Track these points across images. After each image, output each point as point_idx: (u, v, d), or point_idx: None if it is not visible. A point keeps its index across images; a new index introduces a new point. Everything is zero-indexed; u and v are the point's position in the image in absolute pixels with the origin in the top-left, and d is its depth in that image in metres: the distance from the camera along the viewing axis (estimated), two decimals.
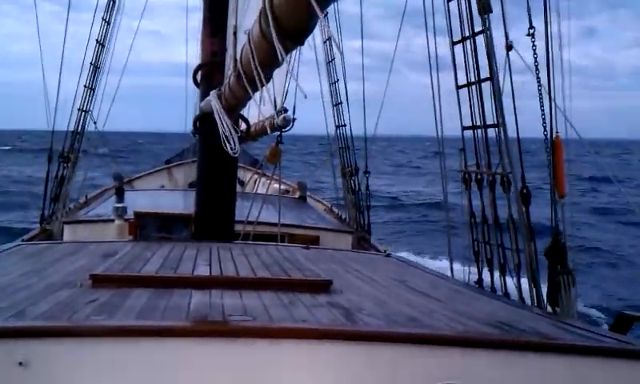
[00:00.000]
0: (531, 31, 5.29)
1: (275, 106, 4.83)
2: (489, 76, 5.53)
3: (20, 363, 2.52)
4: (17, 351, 2.54)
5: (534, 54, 5.25)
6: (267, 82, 3.85)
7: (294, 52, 3.58)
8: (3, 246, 5.68)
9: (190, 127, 7.93)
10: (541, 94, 5.26)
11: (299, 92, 3.88)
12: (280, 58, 3.33)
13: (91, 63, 10.53)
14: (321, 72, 11.16)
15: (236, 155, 4.84)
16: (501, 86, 5.50)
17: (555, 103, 5.26)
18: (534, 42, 5.28)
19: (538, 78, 5.27)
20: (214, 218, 6.86)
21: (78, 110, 10.42)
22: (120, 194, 7.48)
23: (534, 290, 5.21)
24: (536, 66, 5.27)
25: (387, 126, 10.29)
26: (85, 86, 10.46)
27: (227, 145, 4.66)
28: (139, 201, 8.54)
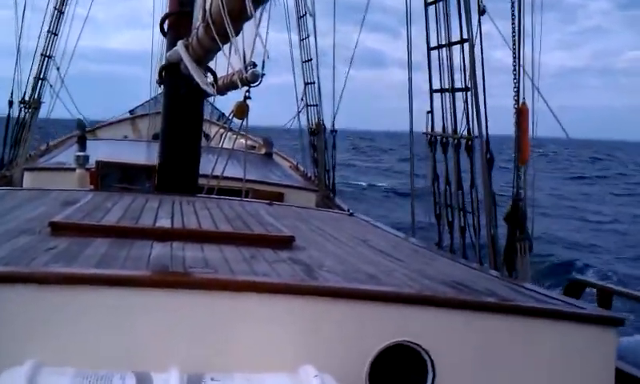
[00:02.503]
0: None
1: (244, 60, 4.77)
2: (462, 39, 5.54)
3: None
4: None
5: (512, 15, 5.22)
6: (237, 34, 3.79)
7: (264, 5, 3.53)
8: None
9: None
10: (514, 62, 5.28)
11: (268, 48, 3.85)
12: (249, 11, 3.28)
13: (55, 7, 10.25)
14: (291, 27, 11.06)
15: (214, 95, 4.76)
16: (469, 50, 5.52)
17: (524, 69, 5.30)
18: (513, 10, 5.27)
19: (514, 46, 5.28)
20: (177, 171, 6.79)
21: (41, 55, 10.18)
22: (82, 143, 7.36)
23: (493, 253, 5.32)
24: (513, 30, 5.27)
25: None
26: (48, 31, 10.20)
27: (205, 86, 4.53)
28: (102, 150, 8.40)
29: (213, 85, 4.65)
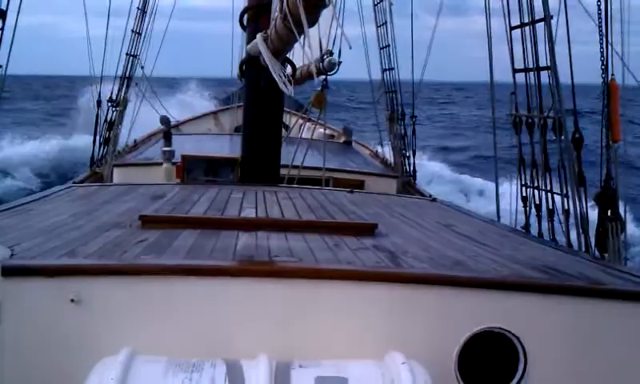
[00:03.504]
0: None
1: (321, 49, 4.78)
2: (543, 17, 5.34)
3: (72, 300, 2.61)
4: (69, 288, 2.62)
5: None
6: (313, 24, 3.80)
7: None
8: (55, 188, 5.82)
9: (236, 73, 7.93)
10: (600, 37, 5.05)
11: (345, 38, 3.84)
12: None
13: (138, 8, 10.59)
14: (365, 15, 11.00)
15: (290, 95, 4.82)
16: (553, 29, 5.32)
17: (612, 45, 5.06)
18: None
19: (599, 21, 5.05)
20: (259, 162, 6.90)
21: (126, 54, 10.55)
22: (168, 138, 7.58)
23: (582, 236, 5.13)
24: (599, 7, 5.04)
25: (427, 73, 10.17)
26: (132, 31, 10.56)
27: (281, 85, 4.61)
28: (186, 144, 8.64)
29: (289, 81, 4.69)
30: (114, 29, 10.42)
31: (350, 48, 4.13)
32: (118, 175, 8.16)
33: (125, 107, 10.63)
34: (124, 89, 10.51)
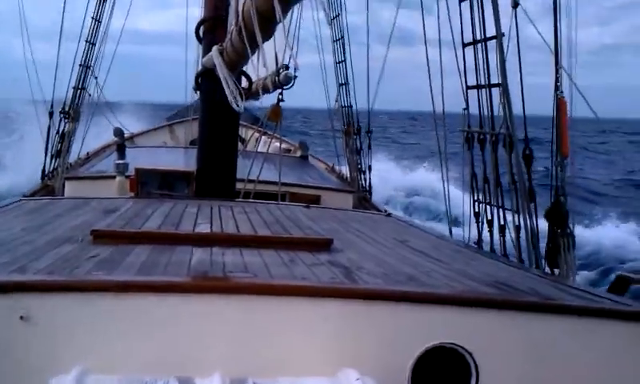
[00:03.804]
0: None
1: (277, 63, 4.78)
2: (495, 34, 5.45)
3: (21, 317, 2.54)
4: (18, 305, 2.55)
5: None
6: (268, 38, 3.81)
7: (294, 10, 3.53)
8: (5, 201, 5.68)
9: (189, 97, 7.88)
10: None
11: (294, 59, 3.86)
12: (277, 15, 3.28)
13: (92, 17, 10.44)
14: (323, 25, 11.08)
15: (240, 111, 4.80)
16: (505, 46, 5.43)
17: (561, 63, 5.20)
18: None
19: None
20: (215, 176, 6.84)
21: (80, 65, 10.37)
22: (121, 151, 7.47)
23: (534, 251, 5.22)
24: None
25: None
26: (86, 41, 10.39)
27: (232, 101, 4.61)
28: (140, 157, 8.52)
29: (241, 95, 4.68)
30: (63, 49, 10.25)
31: (297, 69, 4.16)
32: (70, 188, 7.98)
33: (77, 119, 10.43)
34: (77, 100, 10.32)
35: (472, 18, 5.73)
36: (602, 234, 16.39)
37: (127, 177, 7.08)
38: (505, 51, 5.44)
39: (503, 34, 5.46)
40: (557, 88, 5.22)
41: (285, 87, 7.32)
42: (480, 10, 5.64)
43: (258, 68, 4.74)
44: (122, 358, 2.58)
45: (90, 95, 10.89)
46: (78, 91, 10.33)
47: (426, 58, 6.47)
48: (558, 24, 5.17)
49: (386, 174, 22.31)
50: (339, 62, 10.82)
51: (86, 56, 10.42)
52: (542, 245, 5.28)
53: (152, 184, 6.63)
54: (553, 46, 5.17)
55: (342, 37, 10.69)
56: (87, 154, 10.71)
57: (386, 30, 8.73)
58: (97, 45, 10.55)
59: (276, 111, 7.62)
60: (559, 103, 5.21)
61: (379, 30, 10.98)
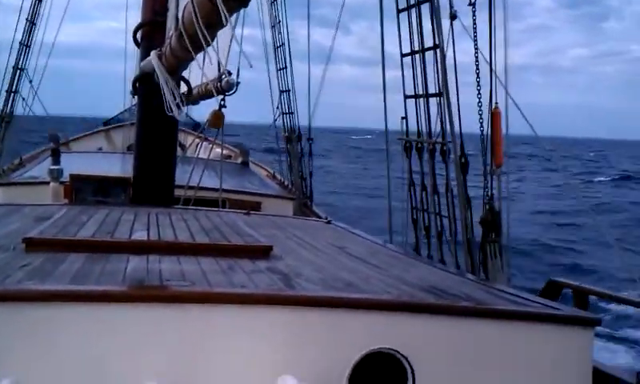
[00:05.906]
0: (472, 0, 5.36)
1: (219, 68, 4.75)
2: (434, 45, 5.58)
3: None
4: None
5: (474, 24, 5.32)
6: (210, 43, 3.78)
7: (238, 14, 3.53)
8: None
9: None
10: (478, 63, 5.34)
11: (244, 57, 3.84)
12: (223, 18, 3.26)
13: (26, 19, 10.17)
14: (265, 26, 11.13)
15: (179, 118, 4.74)
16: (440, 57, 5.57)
17: (495, 73, 5.36)
18: (474, 11, 5.35)
19: (477, 47, 5.34)
20: (153, 182, 6.73)
21: (13, 67, 10.08)
22: (56, 156, 7.26)
23: (469, 257, 5.35)
24: (475, 37, 5.34)
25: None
26: (20, 43, 10.11)
27: (170, 107, 4.56)
28: (76, 163, 8.30)
29: (182, 101, 4.64)
30: None
31: (251, 66, 4.15)
32: (2, 195, 7.71)
33: (10, 122, 10.12)
34: (10, 103, 10.03)
35: (410, 30, 5.85)
36: None
37: (62, 183, 6.89)
38: (444, 61, 5.58)
39: (437, 46, 5.60)
40: (491, 98, 5.39)
41: (227, 93, 7.30)
42: (418, 21, 5.77)
43: (202, 74, 4.70)
44: (55, 371, 2.52)
45: (24, 99, 10.61)
46: (11, 94, 10.04)
47: (382, 75, 6.52)
48: (493, 36, 5.34)
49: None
50: (281, 69, 10.86)
51: (20, 58, 10.14)
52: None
53: (87, 190, 6.47)
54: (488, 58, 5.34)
55: (284, 44, 10.75)
56: (20, 158, 10.39)
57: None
58: (31, 46, 10.29)
59: (217, 117, 7.57)
60: (493, 114, 5.37)
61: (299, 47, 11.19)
